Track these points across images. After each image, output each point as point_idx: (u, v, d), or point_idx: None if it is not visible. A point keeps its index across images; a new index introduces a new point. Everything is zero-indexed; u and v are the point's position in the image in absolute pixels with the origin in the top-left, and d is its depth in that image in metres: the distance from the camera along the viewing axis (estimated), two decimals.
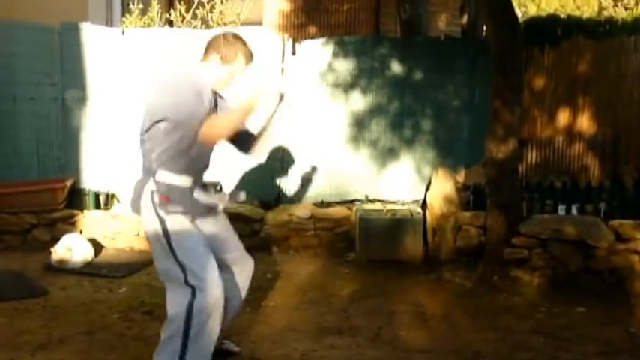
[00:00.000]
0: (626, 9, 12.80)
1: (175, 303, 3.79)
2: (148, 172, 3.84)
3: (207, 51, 3.95)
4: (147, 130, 3.79)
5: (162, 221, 3.78)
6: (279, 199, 7.87)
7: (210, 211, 3.99)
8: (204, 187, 4.03)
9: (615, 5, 14.09)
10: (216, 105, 3.91)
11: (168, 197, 3.77)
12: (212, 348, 3.87)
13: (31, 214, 7.55)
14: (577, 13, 11.90)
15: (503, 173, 6.46)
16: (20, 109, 7.83)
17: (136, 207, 3.92)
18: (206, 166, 4.05)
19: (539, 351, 4.74)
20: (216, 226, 4.06)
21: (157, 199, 3.78)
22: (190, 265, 3.75)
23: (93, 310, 5.52)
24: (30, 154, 7.86)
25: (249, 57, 3.97)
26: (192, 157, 3.84)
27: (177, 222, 3.80)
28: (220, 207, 4.07)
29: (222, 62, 3.90)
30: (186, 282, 3.73)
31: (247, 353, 4.59)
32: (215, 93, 3.94)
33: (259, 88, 3.76)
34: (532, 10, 14.38)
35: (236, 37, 3.97)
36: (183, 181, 3.83)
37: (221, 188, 4.18)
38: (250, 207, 7.56)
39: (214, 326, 3.81)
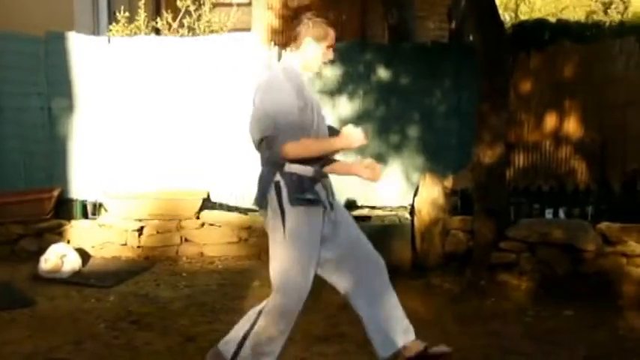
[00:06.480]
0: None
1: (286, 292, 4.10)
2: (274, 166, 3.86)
3: (297, 38, 4.04)
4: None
5: (284, 212, 3.82)
6: None
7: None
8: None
9: (606, 10, 14.20)
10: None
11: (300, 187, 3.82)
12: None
13: (18, 225, 7.49)
14: (571, 16, 11.94)
15: (490, 177, 6.47)
16: (6, 119, 7.80)
17: (261, 202, 3.95)
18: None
19: (528, 355, 4.75)
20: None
21: (284, 190, 3.80)
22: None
23: (80, 320, 5.49)
24: (17, 164, 7.82)
25: (335, 29, 4.06)
26: None
27: (299, 215, 3.84)
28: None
29: (316, 42, 3.98)
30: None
31: None
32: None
33: (353, 138, 3.89)
34: (525, 15, 14.52)
35: (316, 15, 4.12)
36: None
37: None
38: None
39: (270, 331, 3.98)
